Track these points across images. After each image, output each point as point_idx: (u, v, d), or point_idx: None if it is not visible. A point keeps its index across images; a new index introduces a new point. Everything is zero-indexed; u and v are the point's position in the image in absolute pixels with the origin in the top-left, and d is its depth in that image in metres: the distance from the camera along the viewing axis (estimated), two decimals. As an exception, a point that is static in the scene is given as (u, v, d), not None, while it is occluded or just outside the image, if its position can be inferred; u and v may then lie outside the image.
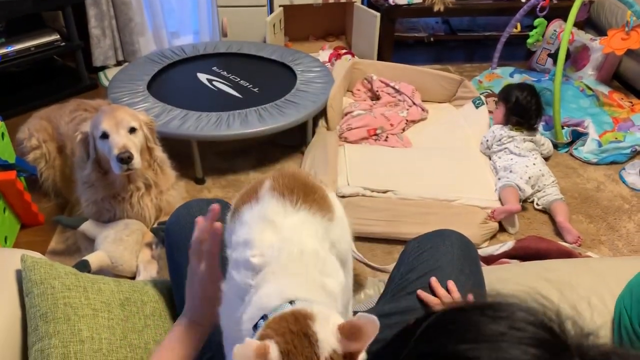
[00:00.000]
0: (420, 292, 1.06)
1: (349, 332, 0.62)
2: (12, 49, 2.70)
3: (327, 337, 0.63)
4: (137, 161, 1.71)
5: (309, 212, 0.81)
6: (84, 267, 1.66)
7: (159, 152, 1.89)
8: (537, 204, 2.21)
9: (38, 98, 2.83)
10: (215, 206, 0.90)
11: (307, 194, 0.83)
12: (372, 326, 0.61)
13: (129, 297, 1.02)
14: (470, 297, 1.06)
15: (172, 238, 1.11)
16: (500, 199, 2.14)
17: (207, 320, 0.88)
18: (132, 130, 1.75)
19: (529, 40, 3.04)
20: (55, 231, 2.07)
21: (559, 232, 2.09)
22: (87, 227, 1.84)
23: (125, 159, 1.67)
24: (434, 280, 1.08)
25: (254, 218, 0.80)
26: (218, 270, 0.88)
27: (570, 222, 2.08)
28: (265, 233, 0.78)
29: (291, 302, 0.69)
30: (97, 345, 0.90)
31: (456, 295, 1.05)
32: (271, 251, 0.76)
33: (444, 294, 1.06)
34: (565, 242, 2.01)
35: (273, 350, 0.62)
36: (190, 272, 0.90)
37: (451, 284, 1.07)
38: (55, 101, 2.50)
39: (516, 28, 3.09)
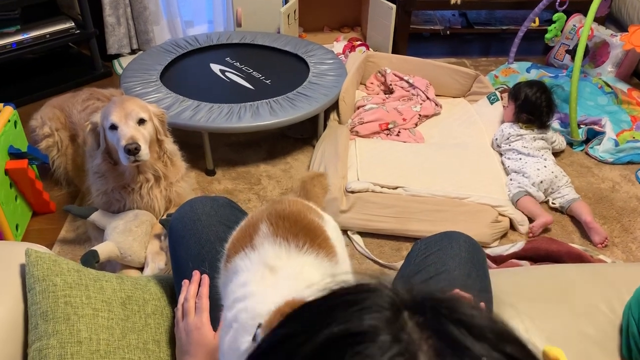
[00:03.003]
0: None
1: None
2: (27, 36, 2.72)
3: None
4: (144, 152, 1.71)
5: (315, 257, 0.80)
6: (92, 257, 1.67)
7: (169, 144, 1.89)
8: (552, 203, 2.18)
9: (52, 85, 2.85)
10: (197, 275, 1.02)
11: (311, 238, 0.82)
12: None
13: (130, 296, 1.02)
14: (482, 306, 1.04)
15: (175, 235, 1.11)
16: (520, 209, 2.10)
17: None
18: (141, 121, 1.75)
19: (547, 35, 2.98)
20: (65, 220, 2.08)
21: (570, 233, 2.06)
22: (97, 217, 1.85)
23: (132, 150, 1.67)
24: None
25: (250, 264, 0.80)
26: (205, 318, 0.97)
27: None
28: (262, 276, 0.77)
29: None
30: (95, 346, 0.90)
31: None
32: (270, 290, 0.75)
33: None
34: (592, 241, 2.00)
35: None
36: (177, 336, 0.99)
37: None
38: (70, 89, 2.51)
39: (534, 22, 3.03)
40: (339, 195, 2.04)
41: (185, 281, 1.02)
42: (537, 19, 3.02)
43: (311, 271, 0.79)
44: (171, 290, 1.13)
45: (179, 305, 1.01)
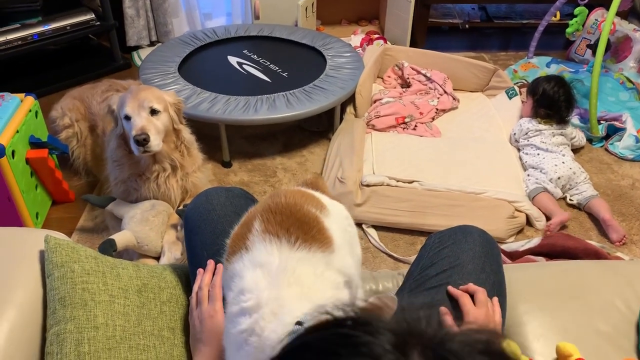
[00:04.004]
0: (451, 288, 1.05)
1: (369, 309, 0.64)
2: (49, 27, 2.75)
3: None
4: (154, 144, 1.72)
5: (308, 252, 0.81)
6: (110, 246, 1.70)
7: (186, 134, 1.90)
8: (570, 199, 2.16)
9: (72, 77, 2.89)
10: (211, 264, 1.03)
11: (304, 231, 0.82)
12: (391, 300, 0.62)
13: (146, 283, 1.04)
14: (495, 301, 1.04)
15: (190, 224, 1.12)
16: (537, 205, 2.08)
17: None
18: (154, 111, 1.75)
19: (569, 30, 2.93)
20: (84, 209, 2.11)
21: (587, 230, 2.04)
22: (115, 206, 1.88)
23: (140, 141, 1.68)
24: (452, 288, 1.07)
25: (245, 267, 0.81)
26: (218, 307, 0.98)
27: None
28: (259, 278, 0.78)
29: (299, 323, 0.68)
30: (111, 332, 0.92)
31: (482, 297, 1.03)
32: (266, 292, 0.75)
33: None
34: (609, 239, 1.98)
35: None
36: (192, 324, 1.01)
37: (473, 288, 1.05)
38: (89, 80, 2.55)
39: (555, 16, 2.99)
40: (354, 189, 2.04)
41: (200, 270, 1.04)
42: (558, 13, 2.98)
43: (306, 269, 0.79)
44: (186, 278, 1.14)
45: (193, 294, 1.02)
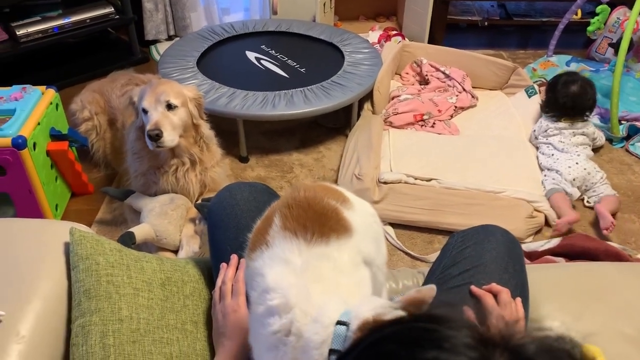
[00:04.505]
0: (474, 288, 1.04)
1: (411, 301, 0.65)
2: (68, 20, 2.77)
3: None
4: (168, 139, 1.71)
5: (326, 245, 0.80)
6: (129, 238, 1.71)
7: (206, 129, 1.90)
8: (587, 201, 2.14)
9: (91, 70, 2.90)
10: (235, 259, 1.04)
11: (321, 223, 0.82)
12: (430, 290, 0.64)
13: (170, 277, 1.05)
14: (519, 301, 1.03)
15: (213, 219, 1.13)
16: (551, 204, 2.06)
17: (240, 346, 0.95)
18: (171, 106, 1.75)
19: (590, 28, 2.90)
20: (103, 201, 2.13)
21: (608, 231, 2.02)
22: (133, 199, 1.89)
23: (153, 136, 1.69)
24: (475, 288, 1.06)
25: (266, 265, 0.80)
26: (241, 301, 0.99)
27: (619, 220, 2.01)
28: (282, 276, 0.77)
29: (340, 323, 0.68)
30: (135, 325, 0.93)
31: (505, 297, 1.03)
32: (293, 290, 0.75)
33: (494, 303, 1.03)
34: (610, 240, 1.95)
35: None
36: (215, 318, 1.02)
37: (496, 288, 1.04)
38: (107, 73, 2.56)
39: (576, 14, 2.95)
40: (372, 186, 2.04)
41: (223, 264, 1.04)
42: (579, 11, 2.95)
43: (325, 265, 0.79)
44: (209, 272, 1.15)
45: (217, 288, 1.03)
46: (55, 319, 0.95)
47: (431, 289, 0.64)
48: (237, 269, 1.03)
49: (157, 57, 3.10)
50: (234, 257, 1.04)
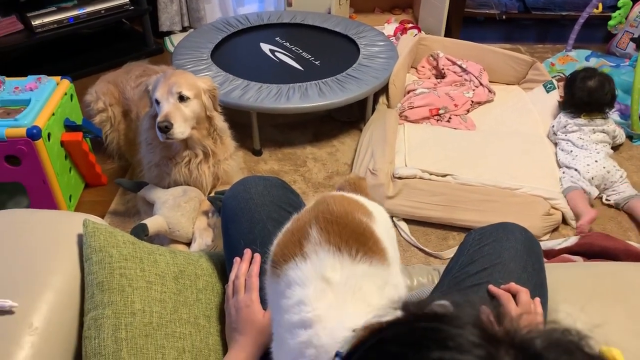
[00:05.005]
0: (492, 287, 1.02)
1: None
2: (84, 11, 2.77)
3: None
4: (178, 131, 1.70)
5: (369, 266, 0.77)
6: (142, 230, 1.70)
7: (219, 121, 1.89)
8: (606, 199, 2.10)
9: (105, 61, 2.90)
10: (248, 254, 1.03)
11: (362, 243, 0.79)
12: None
13: (183, 270, 1.03)
14: (537, 302, 1.01)
15: (228, 212, 1.11)
16: (568, 202, 2.02)
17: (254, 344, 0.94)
18: (183, 98, 1.73)
19: (611, 22, 2.84)
20: (116, 193, 2.13)
21: (626, 230, 1.98)
22: (147, 191, 1.88)
23: (162, 128, 1.68)
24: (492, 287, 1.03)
25: (304, 277, 0.76)
26: (254, 296, 0.98)
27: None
28: (321, 293, 0.74)
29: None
30: (148, 318, 0.92)
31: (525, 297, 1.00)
32: (330, 307, 0.72)
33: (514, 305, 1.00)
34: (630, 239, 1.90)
35: None
36: (227, 313, 1.01)
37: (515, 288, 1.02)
38: (121, 64, 2.55)
39: (597, 8, 2.89)
40: (386, 181, 2.01)
41: (237, 259, 1.03)
42: (600, 5, 2.88)
43: (369, 285, 0.76)
44: (222, 266, 1.14)
45: (230, 282, 1.01)
46: (68, 311, 0.95)
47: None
48: (250, 263, 1.02)
49: (171, 49, 3.10)
50: (247, 252, 1.03)
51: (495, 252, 1.09)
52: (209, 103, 1.82)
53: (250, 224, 1.06)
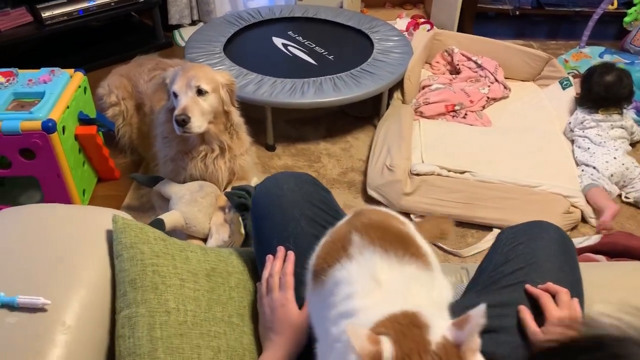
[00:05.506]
0: (530, 287, 1.00)
1: (457, 322, 0.63)
2: (93, 3, 2.73)
3: (437, 323, 0.64)
4: (195, 125, 1.67)
5: (416, 268, 0.78)
6: (159, 226, 1.68)
7: (236, 117, 1.86)
8: (625, 197, 2.08)
9: (114, 54, 2.87)
10: (282, 252, 1.01)
11: (405, 246, 0.79)
12: (478, 313, 0.60)
13: (214, 267, 1.01)
14: (576, 302, 0.99)
15: (259, 209, 1.08)
16: (587, 199, 2.01)
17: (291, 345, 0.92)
18: (201, 92, 1.71)
19: (627, 19, 2.81)
20: (130, 187, 2.10)
21: (647, 229, 1.96)
22: (162, 186, 1.86)
23: (180, 121, 1.65)
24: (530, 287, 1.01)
25: (351, 276, 0.76)
26: (289, 295, 0.96)
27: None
28: (369, 290, 0.74)
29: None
30: (182, 317, 0.89)
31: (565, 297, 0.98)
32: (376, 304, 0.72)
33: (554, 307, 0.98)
34: None
35: (385, 340, 0.61)
36: (261, 312, 1.00)
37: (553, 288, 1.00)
38: (131, 58, 2.52)
39: (612, 4, 2.86)
40: (403, 178, 1.99)
41: (270, 256, 1.00)
42: (615, 1, 2.85)
43: (417, 286, 0.76)
44: (253, 264, 1.11)
45: (263, 281, 0.99)
46: (99, 309, 0.92)
47: (479, 312, 0.60)
48: (284, 261, 1.00)
49: (180, 42, 3.07)
50: (281, 249, 1.00)
51: (530, 251, 1.07)
52: (227, 97, 1.80)
53: (283, 222, 1.04)
